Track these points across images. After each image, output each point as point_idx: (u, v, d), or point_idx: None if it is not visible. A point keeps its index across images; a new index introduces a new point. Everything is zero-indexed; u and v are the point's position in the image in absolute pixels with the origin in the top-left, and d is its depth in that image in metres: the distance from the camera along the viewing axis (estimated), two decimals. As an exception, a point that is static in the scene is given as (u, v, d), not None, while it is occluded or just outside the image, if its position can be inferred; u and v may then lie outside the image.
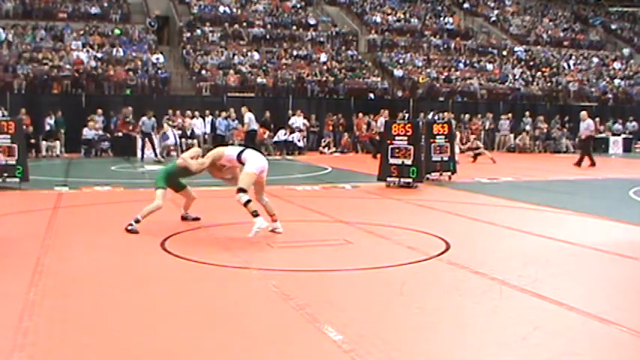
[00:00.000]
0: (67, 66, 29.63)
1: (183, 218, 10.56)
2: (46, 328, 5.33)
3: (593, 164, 22.25)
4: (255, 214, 8.99)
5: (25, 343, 4.95)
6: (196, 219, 10.48)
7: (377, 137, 26.76)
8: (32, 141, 24.04)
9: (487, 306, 6.07)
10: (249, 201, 8.99)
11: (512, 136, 31.81)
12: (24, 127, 19.01)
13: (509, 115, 32.18)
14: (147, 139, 24.60)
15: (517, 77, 36.98)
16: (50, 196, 13.65)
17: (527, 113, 32.70)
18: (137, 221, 9.68)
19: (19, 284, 6.57)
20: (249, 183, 9.13)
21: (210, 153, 9.58)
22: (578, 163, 22.45)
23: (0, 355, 4.74)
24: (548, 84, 37.12)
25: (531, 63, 39.41)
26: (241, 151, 9.43)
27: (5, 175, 14.61)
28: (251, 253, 8.19)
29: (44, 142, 25.48)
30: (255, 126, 24.66)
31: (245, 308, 6.00)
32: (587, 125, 23.26)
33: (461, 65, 37.49)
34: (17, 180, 14.68)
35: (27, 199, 13.40)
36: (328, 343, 5.03)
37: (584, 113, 23.90)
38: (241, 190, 9.02)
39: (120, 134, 26.10)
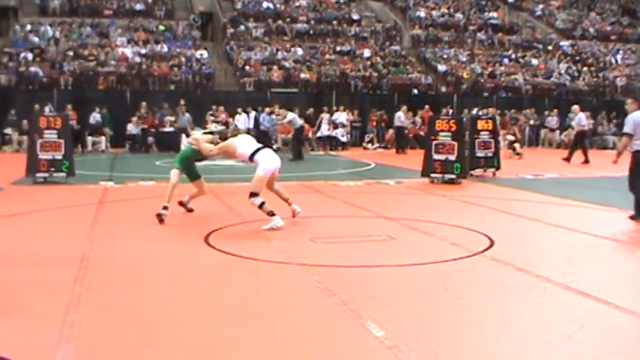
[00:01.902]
0: (112, 62, 30.03)
1: (181, 203, 10.71)
2: (90, 321, 5.40)
3: (586, 161, 21.35)
4: (271, 214, 9.36)
5: (72, 335, 5.03)
6: (190, 210, 10.73)
7: (421, 133, 26.57)
8: (78, 135, 24.36)
9: (531, 303, 6.00)
10: (263, 203, 9.36)
11: (557, 132, 31.40)
12: (70, 122, 19.29)
13: (555, 110, 31.76)
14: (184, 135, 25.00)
15: (563, 72, 36.44)
16: (96, 190, 13.85)
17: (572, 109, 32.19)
18: (165, 207, 9.86)
19: (65, 278, 6.66)
20: (260, 187, 9.48)
21: (223, 144, 9.71)
22: (568, 159, 21.57)
23: (48, 345, 4.82)
24: (595, 79, 36.47)
25: (577, 58, 38.74)
26: (255, 151, 9.55)
27: (52, 169, 14.87)
28: (294, 249, 8.21)
29: (90, 138, 25.85)
30: (300, 122, 24.21)
31: (289, 303, 6.02)
32: (578, 120, 22.59)
33: (505, 60, 37.02)
34: (64, 175, 14.94)
35: (73, 194, 13.59)
36: (371, 339, 5.01)
37: (575, 107, 23.28)
38: (254, 195, 9.35)
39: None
